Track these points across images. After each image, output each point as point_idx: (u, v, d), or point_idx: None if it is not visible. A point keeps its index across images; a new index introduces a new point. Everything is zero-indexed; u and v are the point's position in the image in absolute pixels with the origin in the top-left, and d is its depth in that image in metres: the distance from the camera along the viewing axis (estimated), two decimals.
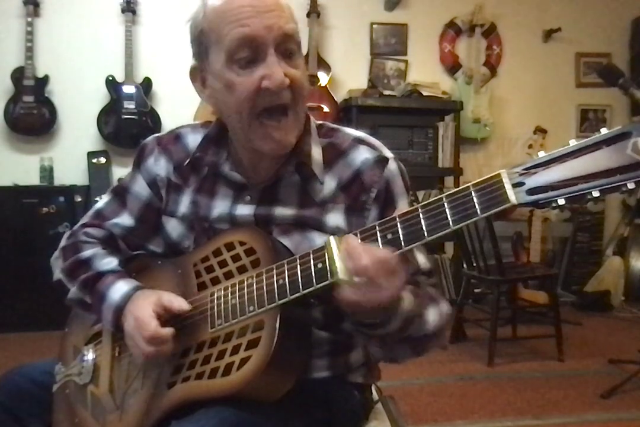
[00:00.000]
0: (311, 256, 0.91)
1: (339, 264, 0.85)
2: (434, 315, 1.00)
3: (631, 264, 4.36)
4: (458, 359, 3.07)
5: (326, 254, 0.88)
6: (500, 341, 3.13)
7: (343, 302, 0.87)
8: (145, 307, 1.02)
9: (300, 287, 0.91)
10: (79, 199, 3.84)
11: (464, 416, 2.46)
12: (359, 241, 0.86)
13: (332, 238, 0.88)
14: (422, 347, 1.02)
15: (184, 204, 1.14)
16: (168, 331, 0.99)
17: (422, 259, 1.07)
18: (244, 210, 1.09)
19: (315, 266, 0.90)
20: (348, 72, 4.39)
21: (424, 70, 4.51)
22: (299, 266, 0.92)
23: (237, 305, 0.97)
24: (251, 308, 0.95)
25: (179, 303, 1.02)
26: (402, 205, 1.06)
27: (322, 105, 4.14)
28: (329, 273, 0.87)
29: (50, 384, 1.16)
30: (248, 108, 0.99)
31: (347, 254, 0.84)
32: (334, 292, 0.87)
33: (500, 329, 3.17)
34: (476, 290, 4.09)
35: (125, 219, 1.20)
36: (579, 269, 4.49)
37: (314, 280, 0.90)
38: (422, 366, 2.97)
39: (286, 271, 0.93)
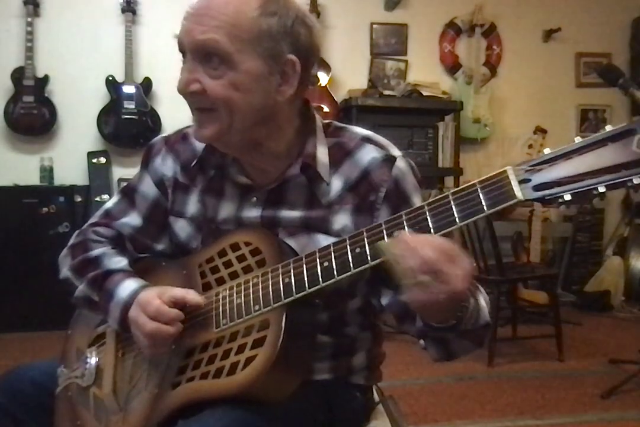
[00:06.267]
0: (317, 254, 0.91)
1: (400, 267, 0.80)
2: (484, 302, 0.98)
3: (631, 264, 4.37)
4: (458, 359, 3.06)
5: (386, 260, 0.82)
6: (500, 341, 3.13)
7: (416, 305, 0.84)
8: (151, 294, 1.02)
9: (307, 285, 0.91)
10: (79, 199, 3.83)
11: (464, 416, 2.46)
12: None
13: (382, 243, 0.83)
14: (484, 338, 1.00)
15: (192, 204, 1.14)
16: (174, 310, 0.99)
17: None
18: (251, 212, 1.08)
19: (321, 264, 0.90)
20: (348, 72, 4.39)
21: (424, 70, 4.51)
22: (304, 265, 0.92)
23: (242, 304, 0.97)
24: (256, 307, 0.94)
25: (193, 296, 1.01)
26: (417, 202, 1.04)
27: (322, 105, 4.14)
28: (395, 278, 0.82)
29: (49, 385, 1.15)
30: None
31: (405, 252, 0.80)
32: (404, 296, 0.82)
33: (500, 329, 3.18)
34: None
35: (133, 219, 1.19)
36: (579, 269, 4.49)
37: (320, 278, 0.90)
38: (422, 366, 2.97)
39: (292, 270, 0.93)
